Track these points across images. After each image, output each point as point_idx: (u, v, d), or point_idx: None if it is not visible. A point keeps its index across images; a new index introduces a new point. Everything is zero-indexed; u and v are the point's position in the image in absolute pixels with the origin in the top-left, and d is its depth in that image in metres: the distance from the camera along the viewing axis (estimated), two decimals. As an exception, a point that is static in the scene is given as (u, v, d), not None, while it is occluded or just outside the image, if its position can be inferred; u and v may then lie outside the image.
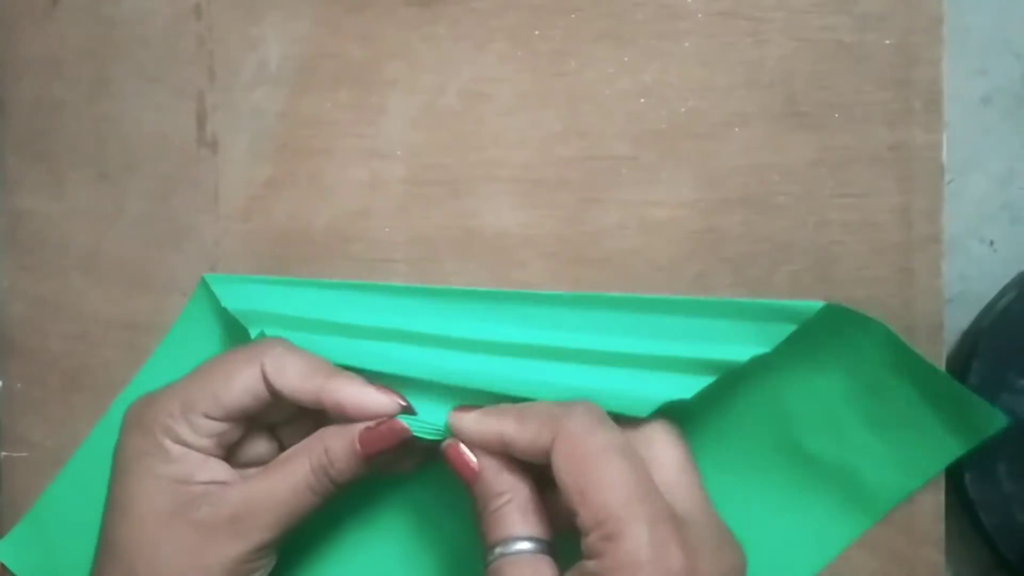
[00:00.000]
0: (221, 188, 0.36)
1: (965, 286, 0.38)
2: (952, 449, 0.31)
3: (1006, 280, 0.37)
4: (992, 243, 0.38)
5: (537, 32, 0.34)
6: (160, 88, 0.37)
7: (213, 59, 0.36)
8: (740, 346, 0.30)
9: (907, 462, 0.32)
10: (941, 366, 0.32)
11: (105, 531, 0.31)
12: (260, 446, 0.33)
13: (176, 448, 0.30)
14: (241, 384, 0.30)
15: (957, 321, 0.37)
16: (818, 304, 0.29)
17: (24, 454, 0.37)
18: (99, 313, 0.37)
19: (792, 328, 0.30)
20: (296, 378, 0.30)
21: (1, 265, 0.38)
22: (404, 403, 0.31)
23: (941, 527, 0.32)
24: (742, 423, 0.32)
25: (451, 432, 0.30)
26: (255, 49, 0.36)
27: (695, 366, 0.30)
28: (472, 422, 0.30)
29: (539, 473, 0.29)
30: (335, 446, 0.30)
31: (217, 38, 0.36)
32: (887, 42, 0.32)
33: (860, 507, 0.32)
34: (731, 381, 0.31)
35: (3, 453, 0.38)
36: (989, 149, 0.38)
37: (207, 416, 0.30)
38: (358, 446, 0.30)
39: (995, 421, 0.31)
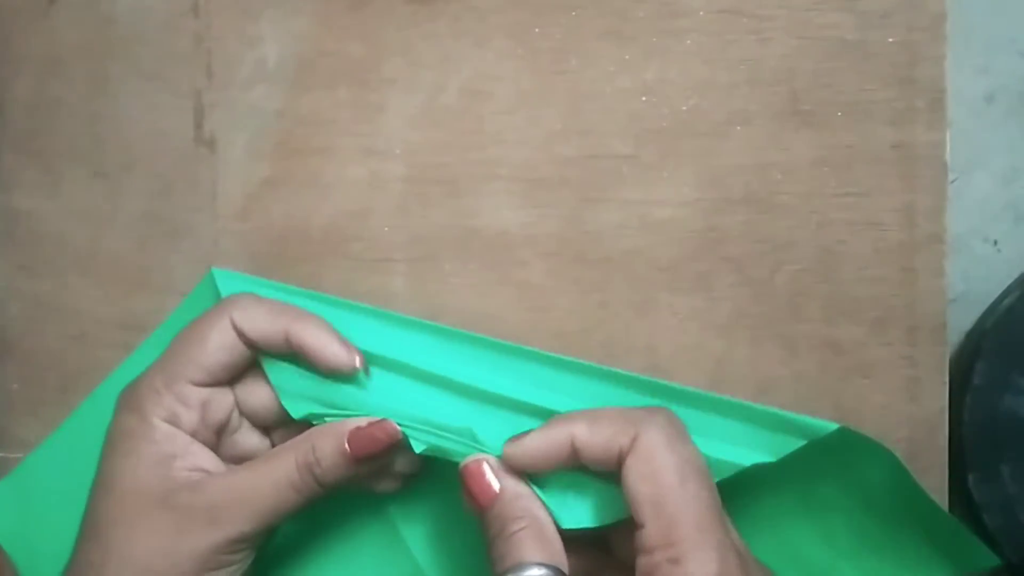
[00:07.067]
0: (219, 187, 0.36)
1: (969, 286, 0.38)
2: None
3: (1010, 279, 0.36)
4: (996, 242, 0.38)
5: (537, 30, 0.34)
6: (157, 86, 0.36)
7: (211, 57, 0.36)
8: (745, 450, 0.30)
9: None
10: (945, 368, 0.31)
11: (89, 506, 0.31)
12: (252, 441, 0.33)
13: (163, 427, 0.30)
14: (215, 340, 0.31)
15: (961, 321, 0.37)
16: (832, 425, 0.29)
17: (21, 455, 0.37)
18: (96, 313, 0.37)
19: (801, 443, 0.29)
20: (263, 321, 0.31)
21: (-2, 265, 0.38)
22: (360, 366, 0.31)
23: (944, 529, 0.32)
24: (743, 519, 0.32)
25: (508, 459, 0.29)
26: (253, 47, 0.35)
27: None
28: (536, 435, 0.28)
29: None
30: (322, 444, 0.29)
31: (215, 36, 0.36)
32: (890, 40, 0.32)
33: None
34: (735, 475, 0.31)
35: (0, 454, 0.38)
36: (993, 147, 0.38)
37: (191, 382, 0.31)
38: (347, 446, 0.29)
39: (986, 559, 0.30)
